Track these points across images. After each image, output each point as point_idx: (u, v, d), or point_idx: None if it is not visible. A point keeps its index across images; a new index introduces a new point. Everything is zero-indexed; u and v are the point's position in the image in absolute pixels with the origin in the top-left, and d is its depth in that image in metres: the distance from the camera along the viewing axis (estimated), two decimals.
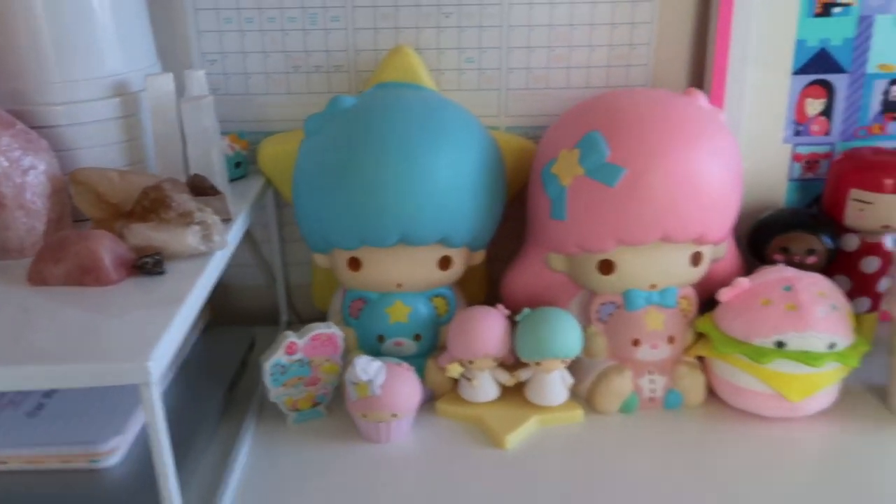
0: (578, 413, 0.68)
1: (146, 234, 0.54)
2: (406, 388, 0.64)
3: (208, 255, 0.56)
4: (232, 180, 0.72)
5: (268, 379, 0.65)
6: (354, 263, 0.68)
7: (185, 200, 0.56)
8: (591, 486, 0.60)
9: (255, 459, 0.64)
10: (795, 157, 0.78)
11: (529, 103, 0.78)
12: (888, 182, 0.69)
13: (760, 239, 0.73)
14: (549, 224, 0.68)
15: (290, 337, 0.65)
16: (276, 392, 0.66)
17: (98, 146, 0.63)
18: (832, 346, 0.64)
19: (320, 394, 0.68)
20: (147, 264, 0.53)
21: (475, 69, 0.77)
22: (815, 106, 0.76)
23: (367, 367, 0.63)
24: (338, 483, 0.61)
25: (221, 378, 0.69)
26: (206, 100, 0.62)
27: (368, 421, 0.64)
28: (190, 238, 0.55)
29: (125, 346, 0.45)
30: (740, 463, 0.62)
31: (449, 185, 0.64)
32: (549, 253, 0.70)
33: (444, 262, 0.69)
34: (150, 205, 0.56)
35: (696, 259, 0.67)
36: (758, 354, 0.64)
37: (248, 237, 0.83)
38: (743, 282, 0.66)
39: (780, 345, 0.64)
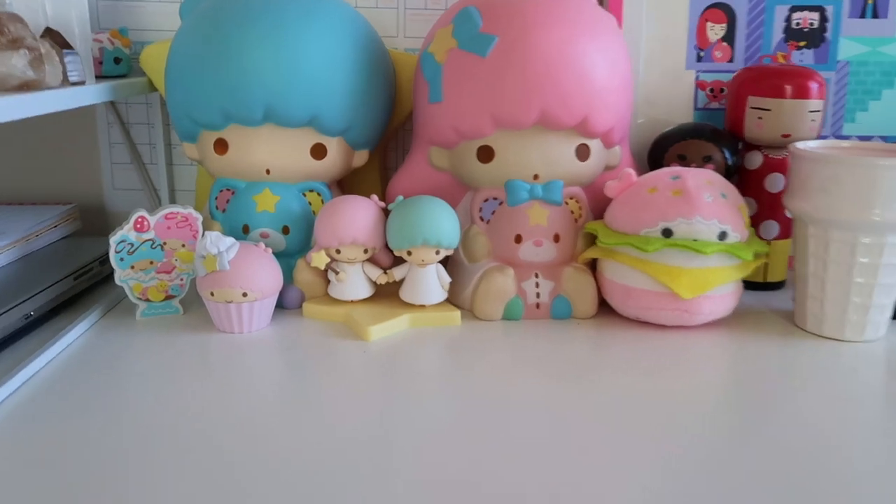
0: (455, 315, 0.62)
1: None
2: (259, 266, 0.59)
3: (40, 88, 0.53)
4: (112, 77, 0.70)
5: (113, 257, 0.60)
6: (221, 145, 0.64)
7: (20, 30, 0.53)
8: (457, 388, 0.52)
9: (84, 346, 0.57)
10: (699, 85, 0.75)
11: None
12: (785, 87, 0.66)
13: (659, 149, 0.69)
14: (428, 110, 0.64)
15: (141, 212, 0.61)
16: (122, 273, 0.61)
17: None
18: (723, 235, 0.59)
19: (174, 284, 0.63)
20: None
21: None
22: (716, 31, 0.75)
23: (218, 240, 0.58)
24: (168, 373, 0.54)
25: (66, 269, 0.64)
26: None
27: (217, 301, 0.59)
28: (15, 60, 0.51)
29: None
30: (632, 373, 0.54)
31: (318, 62, 0.61)
32: (431, 148, 0.66)
33: (318, 151, 0.65)
34: None
35: (581, 153, 0.64)
36: (644, 243, 0.59)
37: (136, 159, 0.80)
38: (630, 173, 0.62)
39: (667, 233, 0.59)
